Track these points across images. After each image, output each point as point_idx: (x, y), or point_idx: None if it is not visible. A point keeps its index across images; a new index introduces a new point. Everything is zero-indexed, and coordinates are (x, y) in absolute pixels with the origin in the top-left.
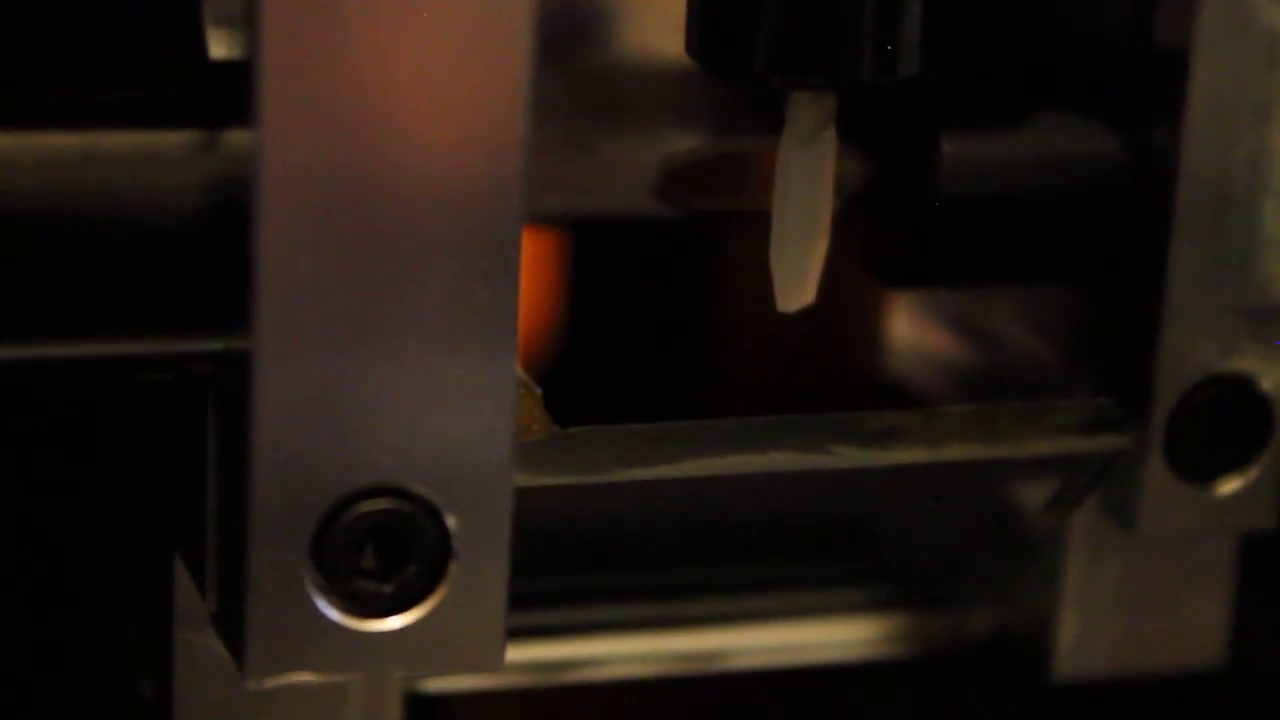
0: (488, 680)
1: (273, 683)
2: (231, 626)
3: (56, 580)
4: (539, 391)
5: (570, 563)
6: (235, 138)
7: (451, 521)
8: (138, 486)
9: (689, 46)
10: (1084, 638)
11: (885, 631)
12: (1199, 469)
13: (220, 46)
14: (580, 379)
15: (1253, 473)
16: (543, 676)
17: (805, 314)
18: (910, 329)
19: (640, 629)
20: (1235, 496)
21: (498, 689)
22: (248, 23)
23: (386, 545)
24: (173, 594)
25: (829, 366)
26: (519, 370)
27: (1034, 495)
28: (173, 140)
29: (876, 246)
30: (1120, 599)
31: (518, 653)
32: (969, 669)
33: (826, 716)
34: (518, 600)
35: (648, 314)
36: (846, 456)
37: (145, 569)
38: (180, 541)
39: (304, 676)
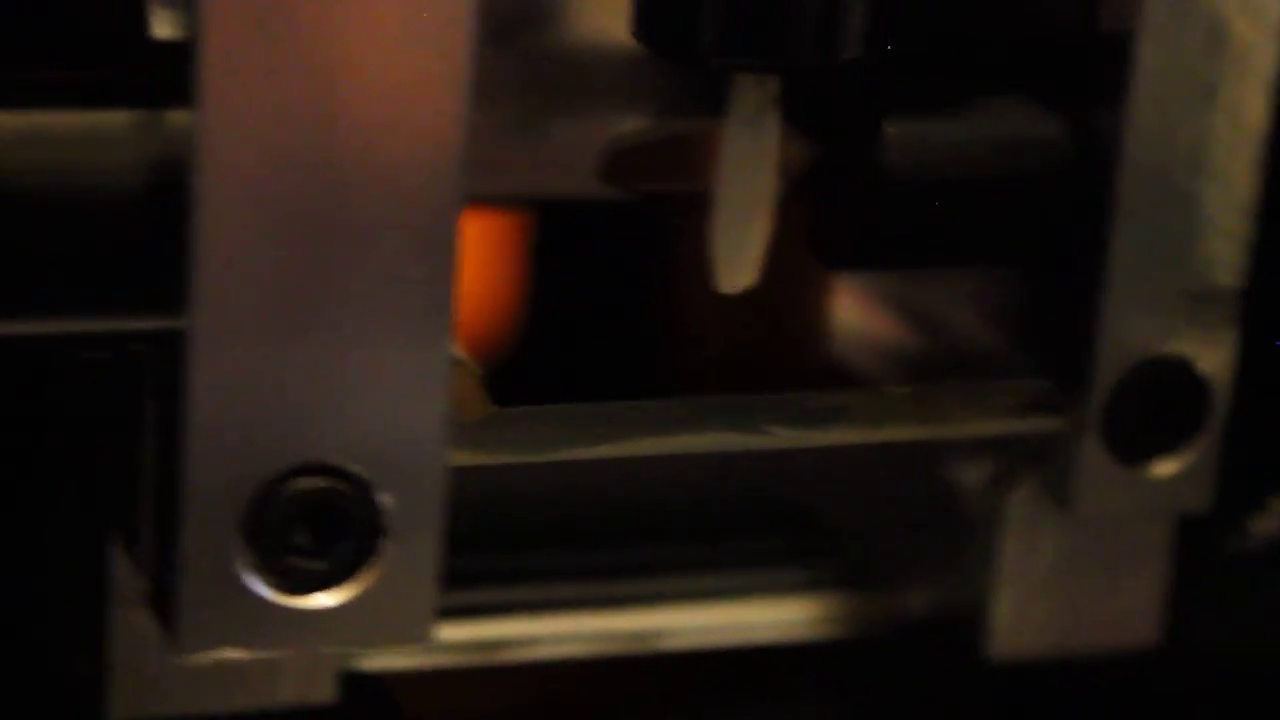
0: (424, 659)
1: (204, 658)
2: (165, 603)
3: None
4: (479, 371)
5: (507, 542)
6: (176, 117)
7: (384, 499)
8: (73, 466)
9: (634, 29)
10: (1020, 618)
11: (823, 611)
12: (1135, 450)
13: (163, 26)
14: (527, 359)
15: (1189, 455)
16: (478, 656)
17: (749, 295)
18: (853, 311)
19: (577, 609)
20: (1171, 478)
21: (435, 668)
22: (190, 3)
23: (319, 522)
24: (108, 572)
25: (771, 348)
26: (459, 350)
27: (972, 475)
28: (114, 119)
29: (820, 229)
30: (1056, 579)
31: (454, 631)
32: (906, 649)
33: (764, 696)
34: (454, 579)
35: (594, 295)
36: (785, 436)
37: (80, 548)
38: (115, 520)
39: (235, 652)
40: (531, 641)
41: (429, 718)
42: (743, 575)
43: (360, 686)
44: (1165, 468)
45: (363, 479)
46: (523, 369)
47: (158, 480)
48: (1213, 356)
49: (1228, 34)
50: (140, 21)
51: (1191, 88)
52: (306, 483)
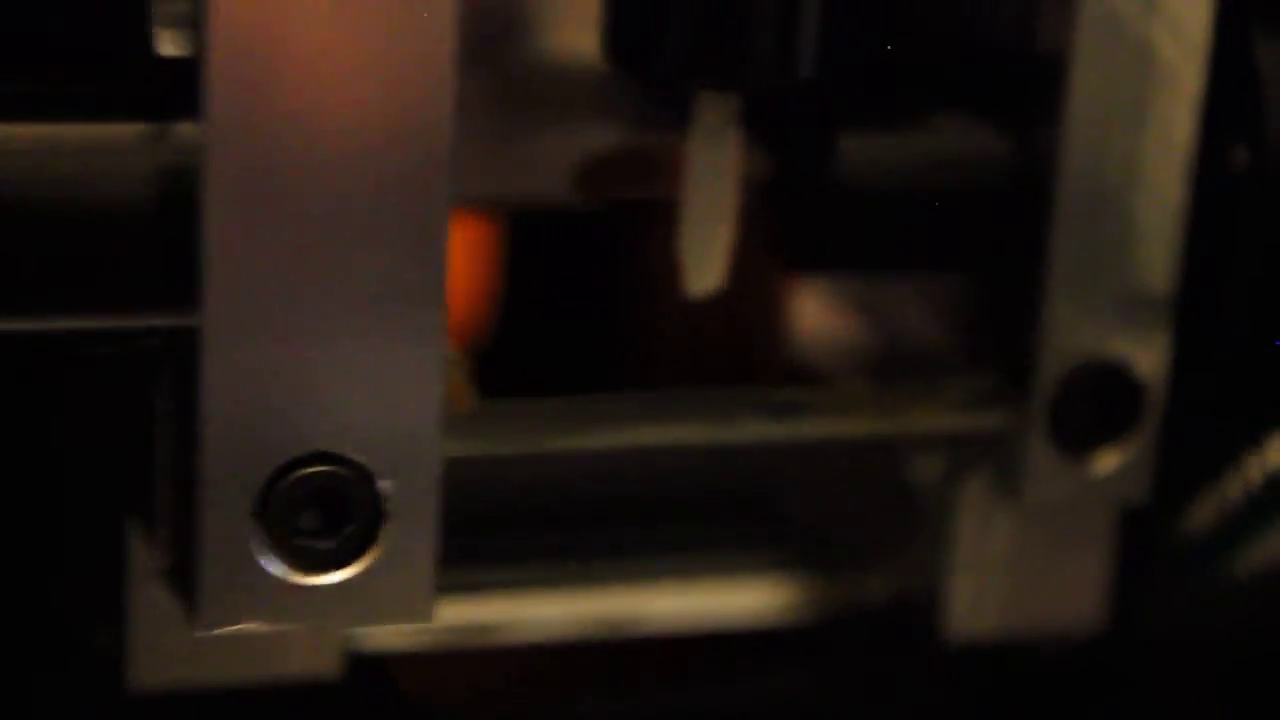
0: (416, 640)
1: (221, 632)
2: (183, 581)
3: (17, 543)
4: (467, 367)
5: (494, 530)
6: (183, 130)
7: (384, 486)
8: (93, 453)
9: (604, 50)
10: (974, 602)
11: (788, 597)
12: (1078, 445)
13: (169, 45)
14: (507, 357)
15: (1128, 448)
16: (466, 638)
17: (715, 297)
18: (813, 313)
19: (551, 594)
20: (1112, 470)
21: (426, 650)
22: (195, 25)
23: (325, 507)
24: (126, 552)
25: (737, 346)
26: (449, 347)
27: (927, 468)
28: (126, 132)
29: (780, 235)
30: (1008, 566)
31: (443, 615)
32: (867, 632)
33: (733, 677)
34: (443, 565)
35: (569, 296)
36: (752, 430)
37: (100, 530)
38: (132, 504)
39: (250, 626)
40: (516, 625)
41: (417, 695)
42: (710, 563)
43: (364, 666)
44: (1106, 460)
45: (364, 467)
46: (503, 366)
47: (174, 467)
48: (1149, 356)
49: (1156, 56)
50: (147, 42)
51: (1123, 106)
52: (313, 470)
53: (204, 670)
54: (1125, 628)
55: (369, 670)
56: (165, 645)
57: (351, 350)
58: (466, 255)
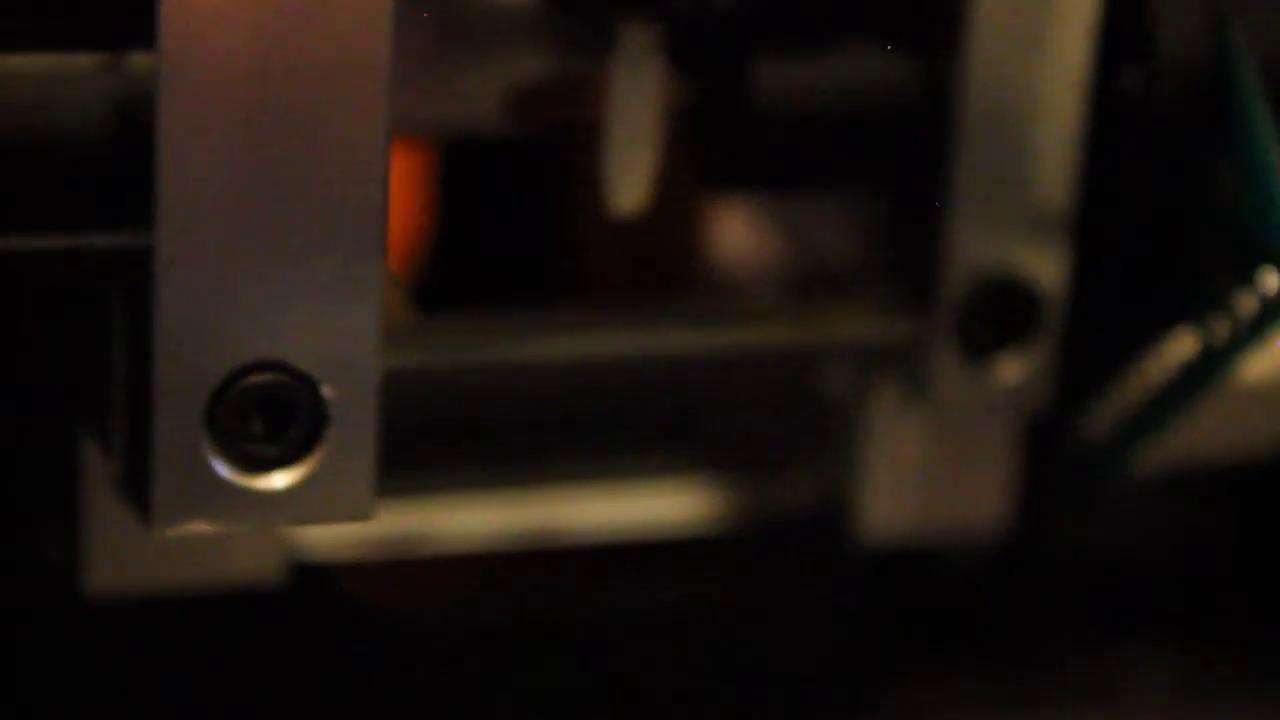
0: (353, 550)
1: (174, 532)
2: (136, 485)
3: None
4: (403, 283)
5: (426, 441)
6: (137, 60)
7: (327, 391)
8: (46, 366)
9: None
10: (885, 509)
11: (707, 506)
12: (982, 353)
13: None
14: (440, 276)
15: (1030, 357)
16: (398, 548)
17: (639, 217)
18: (731, 231)
19: (481, 504)
20: (1015, 379)
21: (362, 559)
22: None
23: (271, 413)
24: (78, 461)
25: (660, 263)
26: (387, 266)
27: (840, 378)
28: (80, 62)
29: (699, 157)
30: (917, 474)
31: (377, 524)
32: (783, 539)
33: (663, 586)
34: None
35: (499, 219)
36: (673, 340)
37: (53, 439)
38: (86, 414)
39: (201, 526)
40: (444, 536)
41: (354, 601)
42: (632, 473)
43: (304, 573)
44: (1010, 368)
45: (308, 375)
46: (437, 284)
47: (127, 378)
48: (1048, 270)
49: None
50: None
51: (1022, 33)
52: (259, 378)
53: (156, 576)
54: (1030, 532)
55: (310, 578)
56: (118, 552)
57: (296, 266)
58: (403, 181)
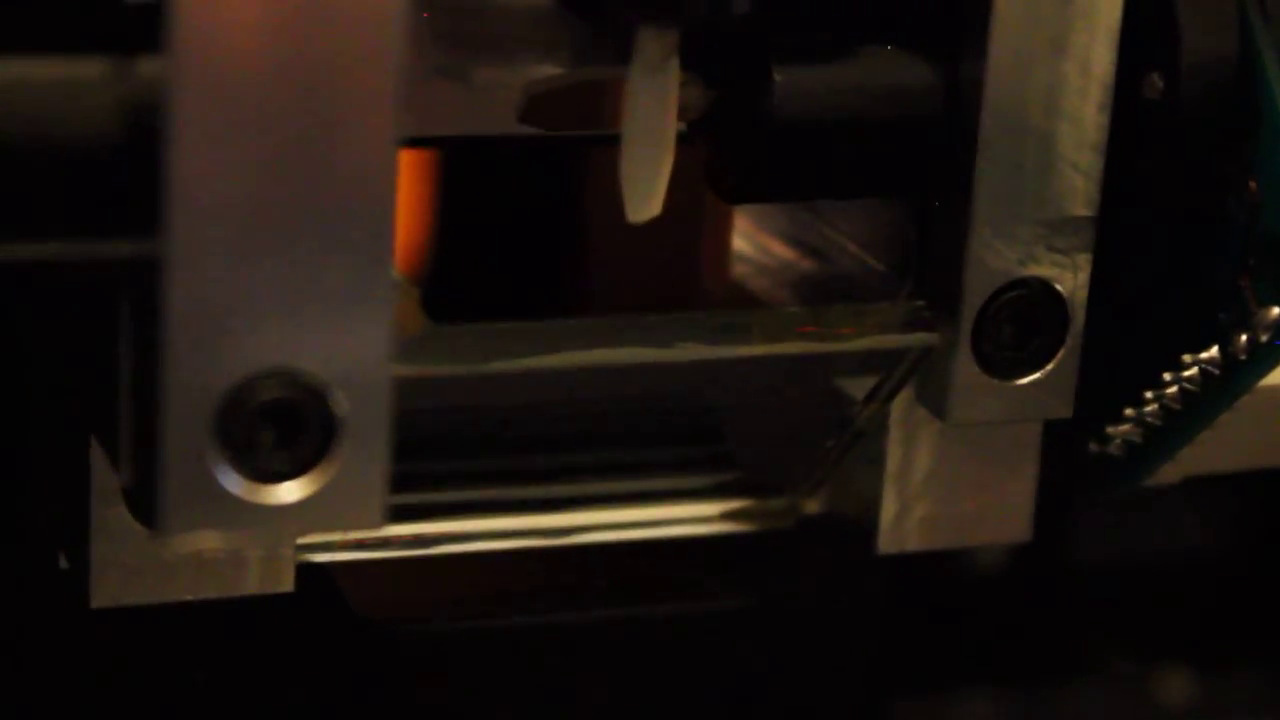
0: (367, 554)
1: (181, 544)
2: (144, 497)
3: None
4: (415, 291)
5: (441, 450)
6: (147, 66)
7: (337, 403)
8: (55, 377)
9: None
10: (902, 515)
11: (728, 511)
12: (1002, 364)
13: None
14: (453, 283)
15: (1050, 368)
16: (414, 550)
17: (654, 224)
18: (749, 240)
19: (503, 508)
20: (1035, 389)
21: (375, 565)
22: None
23: (281, 423)
24: (89, 473)
25: (676, 272)
26: (397, 273)
27: (858, 387)
28: (89, 67)
29: (717, 165)
30: (934, 481)
31: (389, 532)
32: (804, 549)
33: (678, 585)
34: (393, 482)
35: (515, 225)
36: (692, 351)
37: (63, 450)
38: (95, 424)
39: (210, 539)
40: (462, 537)
41: (372, 605)
42: (651, 483)
43: (313, 578)
44: (1029, 379)
45: (319, 385)
46: (450, 291)
47: (136, 389)
48: (1069, 279)
49: None
50: None
51: (1045, 39)
52: (269, 388)
53: (163, 589)
54: (1049, 541)
55: (320, 585)
56: (127, 565)
57: (305, 274)
58: (413, 187)
